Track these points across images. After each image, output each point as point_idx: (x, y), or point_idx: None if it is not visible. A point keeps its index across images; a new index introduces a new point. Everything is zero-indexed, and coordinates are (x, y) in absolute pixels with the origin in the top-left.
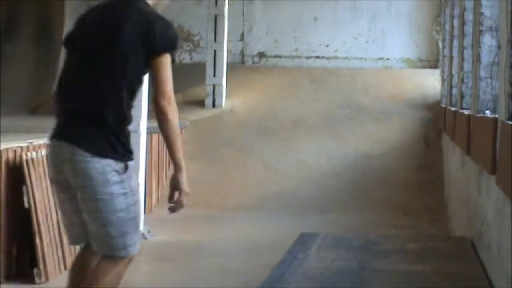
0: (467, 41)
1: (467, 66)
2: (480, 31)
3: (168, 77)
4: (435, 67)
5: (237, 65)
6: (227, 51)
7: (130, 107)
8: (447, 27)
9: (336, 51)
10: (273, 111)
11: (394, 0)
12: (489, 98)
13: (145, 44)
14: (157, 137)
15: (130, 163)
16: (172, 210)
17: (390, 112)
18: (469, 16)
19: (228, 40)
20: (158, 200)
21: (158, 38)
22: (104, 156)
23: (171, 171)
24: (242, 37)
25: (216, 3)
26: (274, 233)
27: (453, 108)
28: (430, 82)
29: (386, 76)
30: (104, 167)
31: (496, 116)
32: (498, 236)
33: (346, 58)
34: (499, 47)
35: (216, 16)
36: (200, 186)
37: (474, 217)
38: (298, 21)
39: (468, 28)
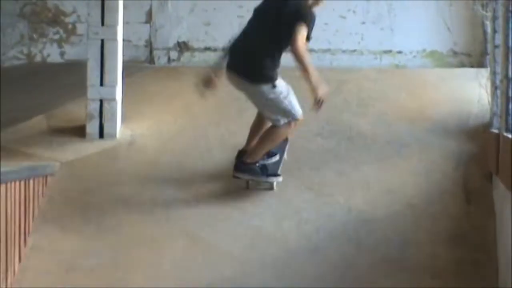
0: None
1: None
2: None
3: (301, 37)
4: (480, 65)
5: (142, 66)
6: (124, 41)
7: (280, 54)
8: None
9: (310, 39)
10: (204, 144)
11: None
12: None
13: (293, 19)
14: (3, 191)
15: (276, 80)
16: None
17: (404, 143)
18: None
19: (126, 23)
20: None
21: (297, 15)
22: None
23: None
24: (149, 17)
25: None
26: None
27: (511, 136)
28: (472, 91)
29: (397, 81)
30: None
31: None
32: None
33: (328, 51)
34: None
35: None
36: (80, 276)
37: None
38: None
39: None
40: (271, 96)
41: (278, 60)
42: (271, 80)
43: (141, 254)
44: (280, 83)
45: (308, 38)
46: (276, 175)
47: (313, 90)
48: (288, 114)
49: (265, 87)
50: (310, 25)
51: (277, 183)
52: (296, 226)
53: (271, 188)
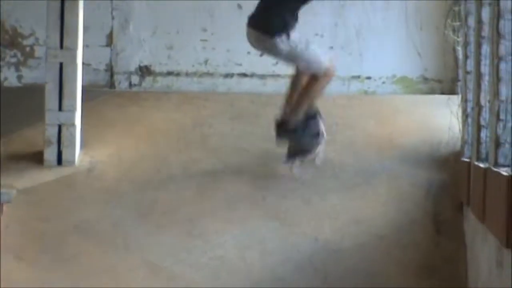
0: (506, 46)
1: (505, 90)
2: None
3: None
4: (452, 92)
5: (102, 90)
6: (84, 65)
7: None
8: (471, 22)
9: (276, 63)
10: (166, 171)
11: None
12: None
13: None
14: None
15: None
16: None
17: (373, 172)
18: (507, 2)
19: (86, 46)
20: None
21: None
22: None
23: None
24: (110, 40)
25: None
26: None
27: (482, 165)
28: (443, 118)
29: (366, 108)
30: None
31: None
32: None
33: None
34: None
35: (63, 3)
36: None
37: None
38: (209, 12)
39: (507, 24)
40: (288, 48)
41: (295, 15)
42: (285, 29)
43: (100, 285)
44: (295, 36)
45: None
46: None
47: None
48: (314, 63)
49: (279, 39)
50: None
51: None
52: (260, 256)
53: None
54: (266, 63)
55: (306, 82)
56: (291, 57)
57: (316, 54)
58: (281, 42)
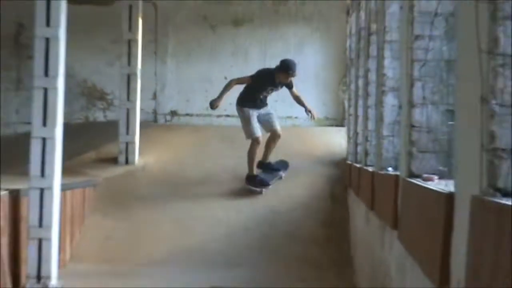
0: (371, 100)
1: (371, 124)
2: (383, 91)
3: (237, 78)
4: (342, 125)
5: (150, 123)
6: (140, 109)
7: (254, 95)
8: (353, 87)
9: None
10: (184, 168)
11: (301, 61)
12: (392, 156)
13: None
14: (70, 194)
15: (244, 108)
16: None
17: (299, 169)
18: (372, 76)
19: (141, 99)
20: (71, 255)
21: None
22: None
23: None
24: (154, 96)
25: (129, 63)
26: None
27: (358, 165)
28: (337, 140)
29: (295, 134)
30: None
31: (398, 173)
32: None
33: None
34: (400, 106)
35: (129, 76)
36: (114, 242)
37: (378, 271)
38: (208, 81)
39: (372, 88)
40: (240, 114)
41: (252, 98)
42: (241, 104)
43: (148, 230)
44: (247, 111)
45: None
46: (266, 185)
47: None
48: (247, 132)
49: (237, 108)
50: (255, 80)
51: (265, 190)
52: (236, 215)
53: (261, 192)
54: None
55: (267, 141)
56: (241, 121)
57: (249, 125)
58: (238, 110)
